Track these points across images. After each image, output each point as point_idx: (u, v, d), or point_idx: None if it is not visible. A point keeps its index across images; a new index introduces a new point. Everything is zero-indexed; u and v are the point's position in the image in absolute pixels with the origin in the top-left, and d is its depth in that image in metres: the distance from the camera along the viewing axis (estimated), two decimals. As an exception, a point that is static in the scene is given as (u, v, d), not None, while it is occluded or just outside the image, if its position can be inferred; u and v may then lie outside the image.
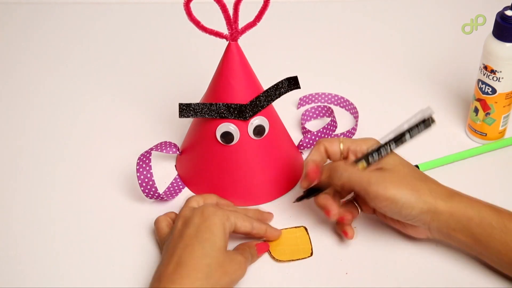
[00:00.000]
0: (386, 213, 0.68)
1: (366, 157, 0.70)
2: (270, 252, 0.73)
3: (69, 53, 1.08)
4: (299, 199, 0.74)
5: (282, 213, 0.78)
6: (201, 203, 0.73)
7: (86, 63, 1.05)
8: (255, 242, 0.72)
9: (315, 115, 0.91)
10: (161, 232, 0.72)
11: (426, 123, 0.68)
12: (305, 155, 0.86)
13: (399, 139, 0.69)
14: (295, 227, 0.76)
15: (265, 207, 0.79)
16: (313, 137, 0.84)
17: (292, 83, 0.77)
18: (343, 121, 0.91)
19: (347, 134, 0.87)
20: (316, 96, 0.93)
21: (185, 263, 0.63)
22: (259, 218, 0.75)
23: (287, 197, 0.81)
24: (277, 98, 0.76)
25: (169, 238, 0.69)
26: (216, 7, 0.70)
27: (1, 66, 1.05)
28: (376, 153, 0.69)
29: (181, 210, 0.70)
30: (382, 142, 0.70)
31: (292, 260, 0.72)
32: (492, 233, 0.65)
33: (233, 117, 0.74)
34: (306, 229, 0.76)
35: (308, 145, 0.85)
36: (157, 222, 0.73)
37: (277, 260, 0.72)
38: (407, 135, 0.69)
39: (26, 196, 0.82)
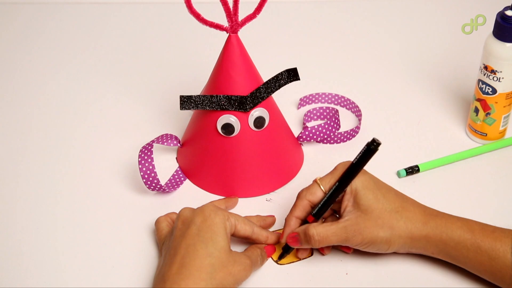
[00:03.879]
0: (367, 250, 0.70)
1: (317, 214, 0.70)
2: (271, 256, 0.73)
3: (70, 48, 1.08)
4: (280, 257, 0.72)
5: (281, 204, 0.78)
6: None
7: (86, 58, 1.06)
8: (263, 245, 0.72)
9: (316, 117, 0.91)
10: (161, 232, 0.72)
11: (371, 148, 0.66)
12: (304, 147, 0.87)
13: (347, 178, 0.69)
14: None
15: (264, 197, 0.80)
16: (313, 130, 0.84)
17: (291, 74, 0.78)
18: (344, 121, 0.91)
19: (351, 133, 0.87)
20: (317, 96, 0.93)
21: (189, 263, 0.62)
22: (261, 224, 0.75)
23: (287, 188, 0.81)
24: (277, 89, 0.77)
25: (170, 238, 0.68)
26: (215, 3, 0.71)
27: (2, 65, 1.05)
28: (323, 206, 0.69)
29: (181, 210, 0.70)
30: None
31: (293, 262, 0.72)
32: (467, 255, 0.67)
33: (233, 108, 0.75)
34: None
35: (308, 138, 0.85)
36: (157, 222, 0.73)
37: (278, 264, 0.72)
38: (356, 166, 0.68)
39: (29, 188, 0.82)
